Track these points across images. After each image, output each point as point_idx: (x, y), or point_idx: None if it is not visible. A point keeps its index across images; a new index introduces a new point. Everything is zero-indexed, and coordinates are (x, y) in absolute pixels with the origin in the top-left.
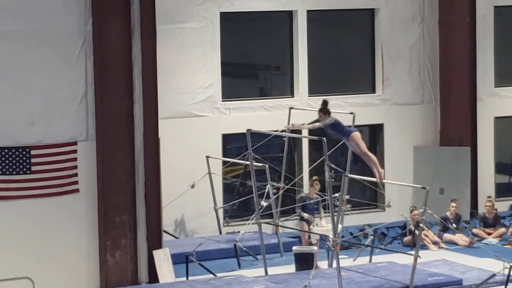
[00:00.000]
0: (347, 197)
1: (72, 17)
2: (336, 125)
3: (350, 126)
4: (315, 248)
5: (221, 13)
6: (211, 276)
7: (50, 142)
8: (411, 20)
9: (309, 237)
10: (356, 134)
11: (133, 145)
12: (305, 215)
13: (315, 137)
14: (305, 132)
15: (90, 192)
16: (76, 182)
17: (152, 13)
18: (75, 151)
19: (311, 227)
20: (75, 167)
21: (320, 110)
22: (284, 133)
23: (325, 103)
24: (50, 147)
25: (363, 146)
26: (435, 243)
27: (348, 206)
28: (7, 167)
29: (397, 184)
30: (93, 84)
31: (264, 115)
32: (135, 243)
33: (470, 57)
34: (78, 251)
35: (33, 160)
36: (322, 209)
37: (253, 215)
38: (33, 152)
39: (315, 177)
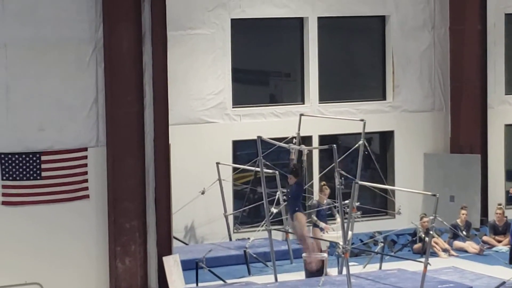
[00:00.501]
0: (357, 204)
1: (83, 24)
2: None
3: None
4: (325, 255)
5: (232, 19)
6: (221, 282)
7: (60, 148)
8: (421, 27)
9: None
10: (301, 215)
11: (143, 151)
12: (323, 224)
13: (325, 146)
14: (315, 139)
15: (100, 198)
16: (86, 188)
17: (163, 20)
18: (85, 157)
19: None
20: (85, 173)
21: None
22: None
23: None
24: (60, 152)
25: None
26: (445, 250)
27: (358, 213)
28: (17, 172)
29: (407, 191)
30: (104, 90)
31: (274, 122)
32: (145, 249)
33: (481, 64)
34: (88, 257)
35: (43, 166)
36: (337, 213)
37: (263, 222)
38: (43, 158)
39: (323, 182)
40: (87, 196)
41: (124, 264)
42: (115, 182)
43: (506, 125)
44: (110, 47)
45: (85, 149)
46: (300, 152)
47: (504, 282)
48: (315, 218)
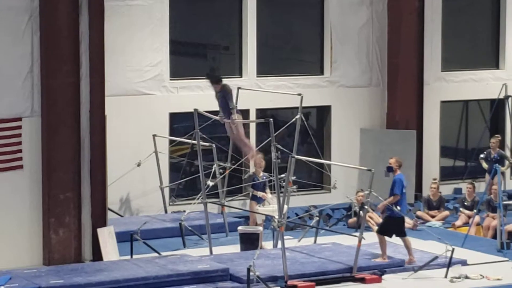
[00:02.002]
0: (293, 178)
1: None
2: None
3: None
4: (260, 228)
5: None
6: (156, 254)
7: None
8: (360, 3)
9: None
10: (238, 115)
11: (78, 122)
12: (259, 193)
13: (262, 120)
14: (252, 112)
15: (34, 168)
16: (20, 158)
17: None
18: (19, 127)
19: (262, 205)
20: (20, 143)
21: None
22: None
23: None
24: None
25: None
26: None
27: (294, 187)
28: None
29: (343, 166)
30: (39, 60)
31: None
32: (79, 221)
33: (418, 41)
34: (21, 228)
35: None
36: (269, 189)
37: (199, 195)
38: None
39: (258, 155)
40: (21, 167)
41: (58, 235)
42: (49, 153)
43: (442, 102)
44: (46, 16)
45: (19, 119)
46: None
47: (436, 257)
48: (251, 189)
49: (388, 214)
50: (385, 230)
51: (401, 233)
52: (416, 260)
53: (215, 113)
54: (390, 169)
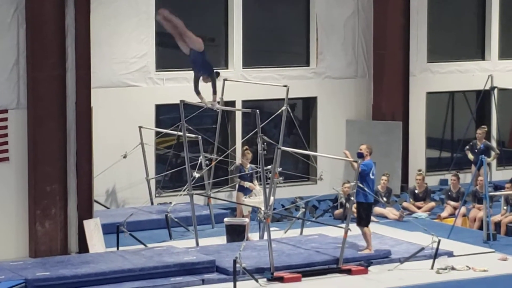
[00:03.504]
0: (280, 169)
1: None
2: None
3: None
4: (247, 220)
5: None
6: (142, 246)
7: None
8: None
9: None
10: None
11: (64, 114)
12: (246, 183)
13: (248, 110)
14: (238, 104)
15: (21, 160)
16: (6, 151)
17: None
18: (5, 119)
19: (248, 196)
20: (5, 135)
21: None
22: (216, 105)
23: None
24: None
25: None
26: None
27: (280, 178)
28: None
29: (329, 157)
30: (25, 52)
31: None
32: (65, 213)
33: (404, 32)
34: (7, 220)
35: None
36: (256, 180)
37: (185, 186)
38: None
39: (245, 147)
40: (7, 159)
41: (44, 227)
42: (35, 145)
43: (428, 93)
44: (32, 8)
45: (5, 111)
46: None
47: (422, 248)
48: (238, 179)
49: (360, 201)
50: (362, 219)
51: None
52: (373, 251)
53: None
54: (360, 155)
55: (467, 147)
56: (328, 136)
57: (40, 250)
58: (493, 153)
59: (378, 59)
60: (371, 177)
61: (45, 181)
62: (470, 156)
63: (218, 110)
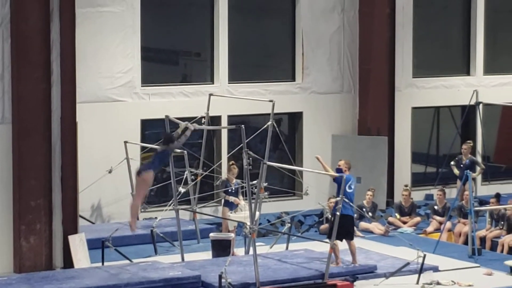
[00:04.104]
0: (265, 184)
1: None
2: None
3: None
4: (232, 235)
5: None
6: (127, 262)
7: None
8: (331, 9)
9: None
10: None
11: (49, 129)
12: (231, 198)
13: (233, 126)
14: (224, 119)
15: (5, 175)
16: None
17: None
18: None
19: (234, 211)
20: None
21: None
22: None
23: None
24: None
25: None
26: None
27: (266, 193)
28: None
29: (315, 172)
30: (10, 67)
31: (183, 101)
32: (50, 228)
33: (389, 47)
34: None
35: None
36: (241, 195)
37: (171, 201)
38: None
39: (231, 162)
40: None
41: (29, 242)
42: (20, 159)
43: (413, 108)
44: (17, 23)
45: None
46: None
47: (408, 263)
48: (224, 194)
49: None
50: (338, 232)
51: (350, 235)
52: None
53: (187, 119)
54: (339, 171)
55: (453, 162)
56: (313, 151)
57: (24, 266)
58: (478, 168)
59: (363, 74)
60: (348, 190)
61: (30, 196)
62: (456, 171)
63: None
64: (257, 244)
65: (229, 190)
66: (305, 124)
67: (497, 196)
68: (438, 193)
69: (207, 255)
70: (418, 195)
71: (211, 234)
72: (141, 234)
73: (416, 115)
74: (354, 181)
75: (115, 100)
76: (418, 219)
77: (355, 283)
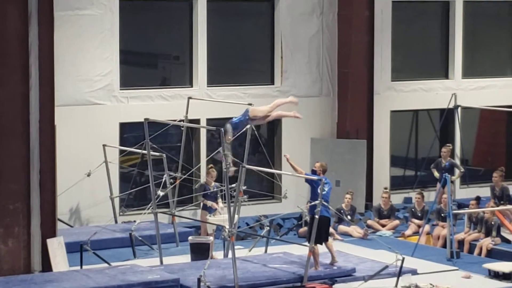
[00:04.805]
0: (244, 187)
1: None
2: (234, 125)
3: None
4: (211, 238)
5: (120, 0)
6: (106, 265)
7: None
8: (310, 12)
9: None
10: (253, 108)
11: (28, 132)
12: (209, 202)
13: (213, 127)
14: (203, 122)
15: None
16: None
17: None
18: None
19: (213, 215)
20: None
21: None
22: (181, 123)
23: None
24: None
25: (264, 108)
26: (330, 234)
27: (245, 196)
28: None
29: (294, 175)
30: None
31: (162, 105)
32: (28, 231)
33: (368, 51)
34: None
35: None
36: (220, 199)
37: (150, 205)
38: None
39: (210, 165)
40: None
41: (7, 246)
42: None
43: (392, 111)
44: None
45: None
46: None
47: (387, 266)
48: (202, 198)
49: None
50: (318, 235)
51: (327, 236)
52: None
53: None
54: (314, 172)
55: (433, 165)
56: (292, 154)
57: (3, 269)
58: (457, 171)
59: (342, 77)
60: (323, 192)
61: (8, 199)
62: (436, 174)
63: (182, 129)
64: (236, 247)
65: (208, 193)
66: (284, 128)
67: (477, 199)
68: (416, 196)
69: (186, 258)
70: (396, 198)
71: (190, 238)
72: (119, 238)
73: (395, 118)
74: (329, 183)
75: (93, 103)
76: (396, 222)
77: (333, 286)
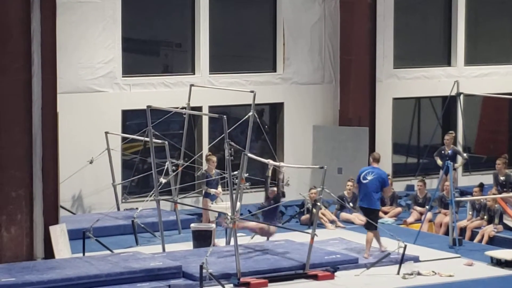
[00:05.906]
0: (246, 175)
1: None
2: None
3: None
4: (213, 225)
5: None
6: (108, 252)
7: None
8: (312, 0)
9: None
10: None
11: (30, 119)
12: (212, 190)
13: (215, 115)
14: (205, 109)
15: None
16: None
17: None
18: None
19: (215, 202)
20: None
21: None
22: (183, 110)
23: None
24: None
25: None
26: (332, 222)
27: (247, 184)
28: None
29: (295, 167)
30: None
31: (164, 92)
32: (31, 218)
33: (370, 38)
34: None
35: None
36: (220, 186)
37: (152, 192)
38: None
39: (209, 153)
40: None
41: (10, 233)
42: (1, 150)
43: (394, 99)
44: None
45: None
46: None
47: (389, 254)
48: (205, 186)
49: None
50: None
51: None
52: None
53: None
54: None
55: (436, 153)
56: (295, 141)
57: (5, 256)
58: (460, 159)
59: (344, 64)
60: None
61: (10, 187)
62: (439, 162)
63: (184, 116)
64: (238, 234)
65: (210, 181)
66: (286, 115)
67: (481, 185)
68: (418, 183)
69: (188, 245)
70: (399, 186)
71: (192, 225)
72: (122, 225)
73: (397, 105)
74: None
75: (96, 91)
76: (399, 209)
77: (336, 273)
